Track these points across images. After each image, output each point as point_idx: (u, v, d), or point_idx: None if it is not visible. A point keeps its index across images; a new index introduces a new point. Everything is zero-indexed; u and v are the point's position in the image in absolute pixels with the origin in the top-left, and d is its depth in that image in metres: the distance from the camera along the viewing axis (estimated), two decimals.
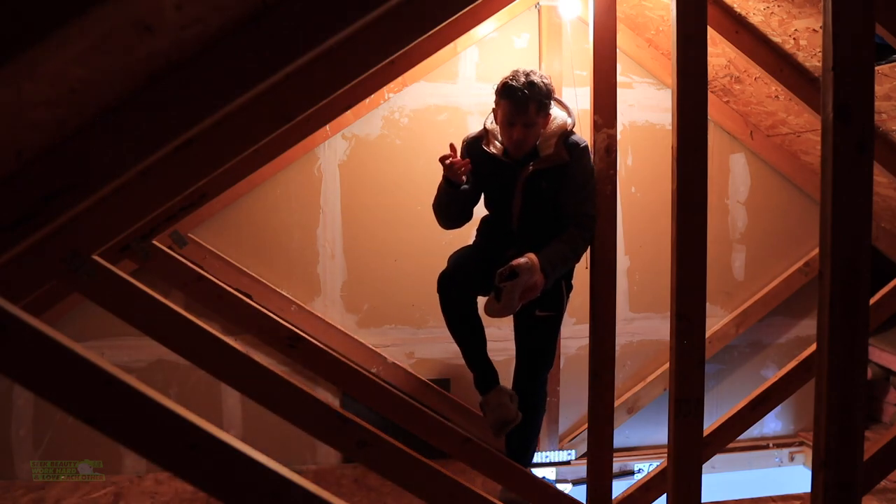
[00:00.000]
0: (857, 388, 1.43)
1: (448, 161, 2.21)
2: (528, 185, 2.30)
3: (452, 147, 2.24)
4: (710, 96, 3.24)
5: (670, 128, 1.80)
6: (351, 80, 1.52)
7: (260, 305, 2.78)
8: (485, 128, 2.36)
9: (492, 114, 2.35)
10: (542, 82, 2.18)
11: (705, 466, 1.90)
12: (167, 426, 1.01)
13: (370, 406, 2.51)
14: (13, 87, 0.88)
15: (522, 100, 2.15)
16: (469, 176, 2.30)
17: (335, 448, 3.02)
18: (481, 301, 2.33)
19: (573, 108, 2.41)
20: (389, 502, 2.86)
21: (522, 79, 2.17)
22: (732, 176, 3.51)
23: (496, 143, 2.32)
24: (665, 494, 1.98)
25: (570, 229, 2.29)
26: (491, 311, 2.24)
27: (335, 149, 3.17)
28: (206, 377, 1.90)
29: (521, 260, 2.17)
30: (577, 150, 2.27)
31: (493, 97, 2.30)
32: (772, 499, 2.79)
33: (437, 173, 2.31)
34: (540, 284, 2.20)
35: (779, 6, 2.30)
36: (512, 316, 2.40)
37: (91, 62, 0.94)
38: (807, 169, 3.47)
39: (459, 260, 2.39)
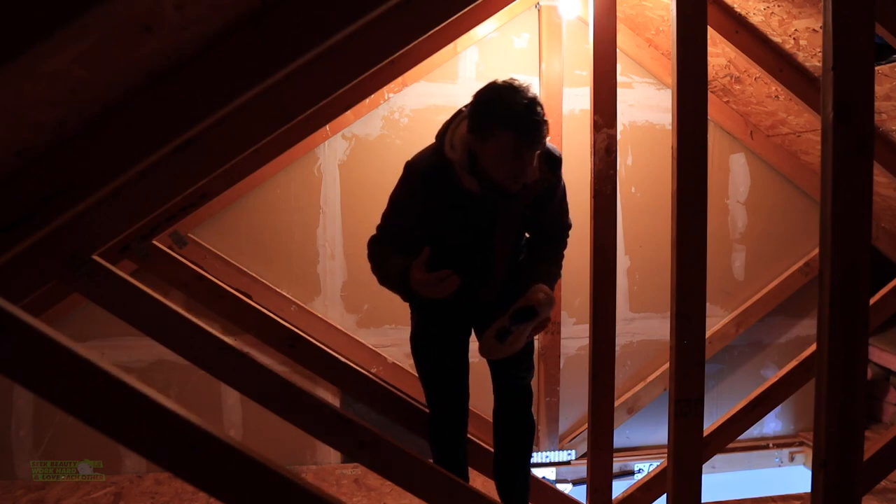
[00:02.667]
0: (857, 388, 1.43)
1: (439, 281, 1.73)
2: (523, 216, 1.93)
3: (427, 252, 1.77)
4: (710, 96, 3.24)
5: (670, 128, 1.80)
6: (351, 80, 1.52)
7: (260, 305, 2.78)
8: (445, 156, 1.80)
9: (455, 137, 1.79)
10: (536, 90, 1.73)
11: (705, 466, 1.89)
12: (167, 426, 1.01)
13: (370, 406, 2.51)
14: (13, 87, 0.88)
15: (537, 130, 1.65)
16: (414, 219, 1.86)
17: (335, 448, 3.03)
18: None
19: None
20: (389, 502, 2.86)
21: (524, 99, 1.65)
22: (732, 176, 3.51)
23: (467, 175, 1.80)
24: (665, 494, 1.98)
25: (555, 244, 2.05)
26: (490, 353, 1.93)
27: (335, 149, 3.17)
28: (206, 377, 1.90)
29: (539, 295, 1.85)
30: (558, 162, 1.91)
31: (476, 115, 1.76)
32: (772, 499, 2.79)
33: None
34: (551, 318, 1.92)
35: (779, 6, 2.30)
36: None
37: (91, 62, 0.94)
38: (807, 169, 3.47)
39: (445, 392, 2.05)
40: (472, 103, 1.75)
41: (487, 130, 1.68)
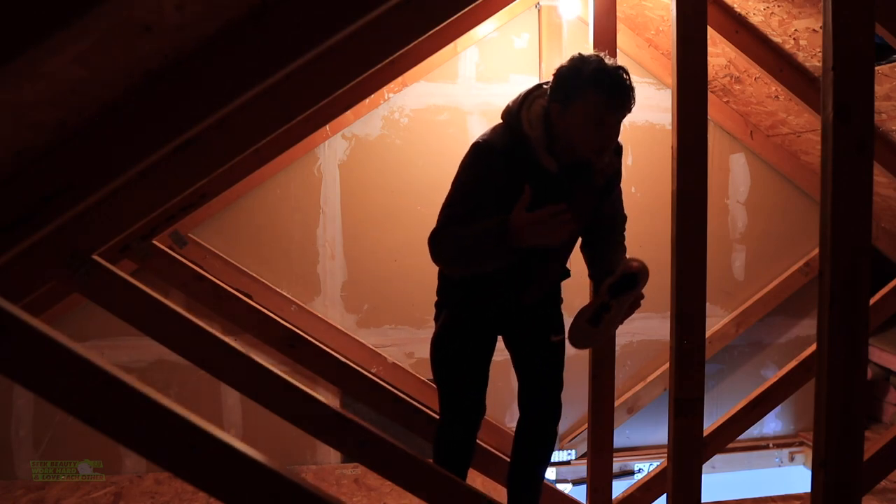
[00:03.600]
0: (857, 388, 1.43)
1: (552, 217, 1.60)
2: (592, 204, 1.86)
3: (528, 190, 1.62)
4: (710, 96, 3.24)
5: (670, 128, 1.80)
6: (351, 80, 1.52)
7: (260, 305, 2.78)
8: (523, 133, 1.72)
9: (532, 114, 1.73)
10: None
11: (705, 466, 1.90)
12: (167, 426, 1.01)
13: (370, 406, 2.51)
14: (13, 87, 0.88)
15: (627, 92, 1.64)
16: (486, 202, 1.70)
17: (335, 448, 3.03)
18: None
19: None
20: (389, 502, 2.86)
21: (612, 64, 1.65)
22: (732, 176, 3.51)
23: (545, 153, 1.73)
24: (665, 494, 1.98)
25: (617, 236, 1.98)
26: (581, 340, 1.80)
27: (335, 149, 3.17)
28: (206, 377, 1.90)
29: (634, 264, 1.74)
30: (621, 148, 1.88)
31: (521, 93, 1.75)
32: (772, 499, 2.79)
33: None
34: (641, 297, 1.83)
35: (779, 6, 2.30)
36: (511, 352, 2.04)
37: (91, 62, 0.94)
38: (807, 169, 3.47)
39: (468, 399, 1.95)
40: (556, 75, 1.70)
41: (575, 94, 1.65)
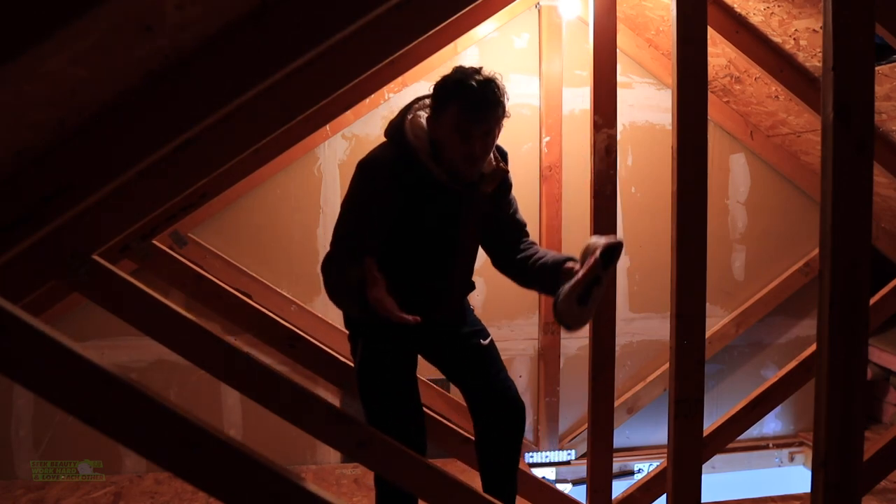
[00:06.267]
0: (857, 388, 1.43)
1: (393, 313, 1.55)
2: (483, 214, 1.84)
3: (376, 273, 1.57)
4: (710, 96, 3.24)
5: (670, 128, 1.80)
6: (351, 80, 1.52)
7: (260, 305, 2.78)
8: (409, 145, 1.71)
9: (415, 126, 1.73)
10: (499, 78, 1.69)
11: (705, 466, 1.90)
12: (167, 426, 1.01)
13: None
14: (13, 87, 0.88)
15: (490, 101, 1.63)
16: (382, 222, 1.71)
17: (335, 448, 3.02)
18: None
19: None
20: None
21: (480, 77, 1.64)
22: (732, 176, 3.51)
23: (432, 162, 1.71)
24: (665, 494, 1.98)
25: (528, 241, 1.94)
26: (573, 321, 1.69)
27: (335, 149, 3.17)
28: (206, 377, 1.90)
29: (603, 239, 1.66)
30: (506, 155, 1.87)
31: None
32: (772, 499, 2.79)
33: None
34: None
35: (779, 6, 2.30)
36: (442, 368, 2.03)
37: (91, 62, 0.94)
38: (807, 169, 3.47)
39: (408, 424, 1.88)
40: (434, 86, 1.72)
41: (441, 105, 1.67)
